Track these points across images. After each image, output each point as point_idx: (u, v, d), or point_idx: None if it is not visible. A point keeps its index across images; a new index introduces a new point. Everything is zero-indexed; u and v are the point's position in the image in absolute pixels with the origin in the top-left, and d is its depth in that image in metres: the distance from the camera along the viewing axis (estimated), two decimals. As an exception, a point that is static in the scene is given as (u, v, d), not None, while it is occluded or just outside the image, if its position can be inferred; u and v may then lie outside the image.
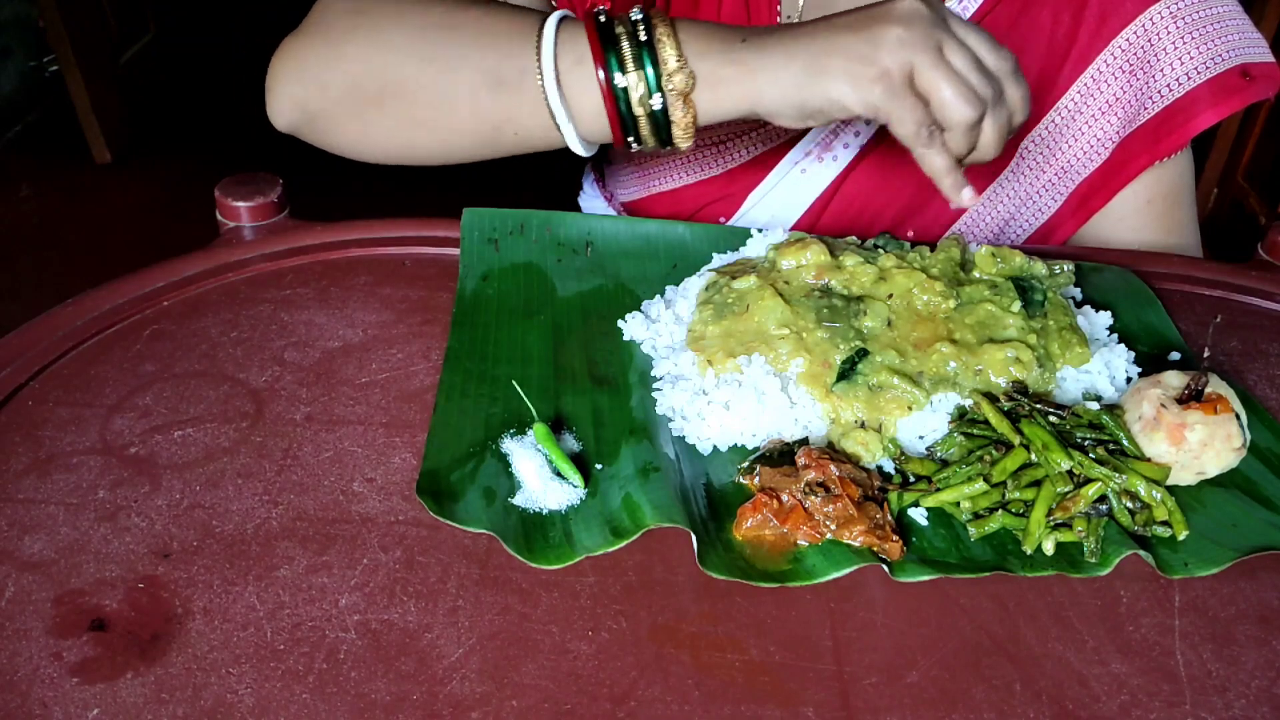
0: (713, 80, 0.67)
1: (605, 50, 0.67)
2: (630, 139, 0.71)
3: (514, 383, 0.70)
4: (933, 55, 0.64)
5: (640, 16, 0.68)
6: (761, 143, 0.97)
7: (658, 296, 0.79)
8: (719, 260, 0.81)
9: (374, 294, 0.80)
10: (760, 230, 0.82)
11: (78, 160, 2.98)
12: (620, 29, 0.68)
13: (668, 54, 0.67)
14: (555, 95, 0.69)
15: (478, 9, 0.74)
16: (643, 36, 0.67)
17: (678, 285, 0.78)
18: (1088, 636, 0.55)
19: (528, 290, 0.80)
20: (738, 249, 0.82)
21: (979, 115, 0.65)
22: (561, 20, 0.70)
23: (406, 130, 0.76)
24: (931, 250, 0.75)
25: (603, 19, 0.68)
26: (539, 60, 0.69)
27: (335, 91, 0.76)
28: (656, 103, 0.68)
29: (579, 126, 0.71)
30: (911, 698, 0.51)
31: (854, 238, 0.79)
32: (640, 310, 0.77)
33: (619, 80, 0.67)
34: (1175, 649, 0.54)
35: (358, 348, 0.74)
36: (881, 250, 0.76)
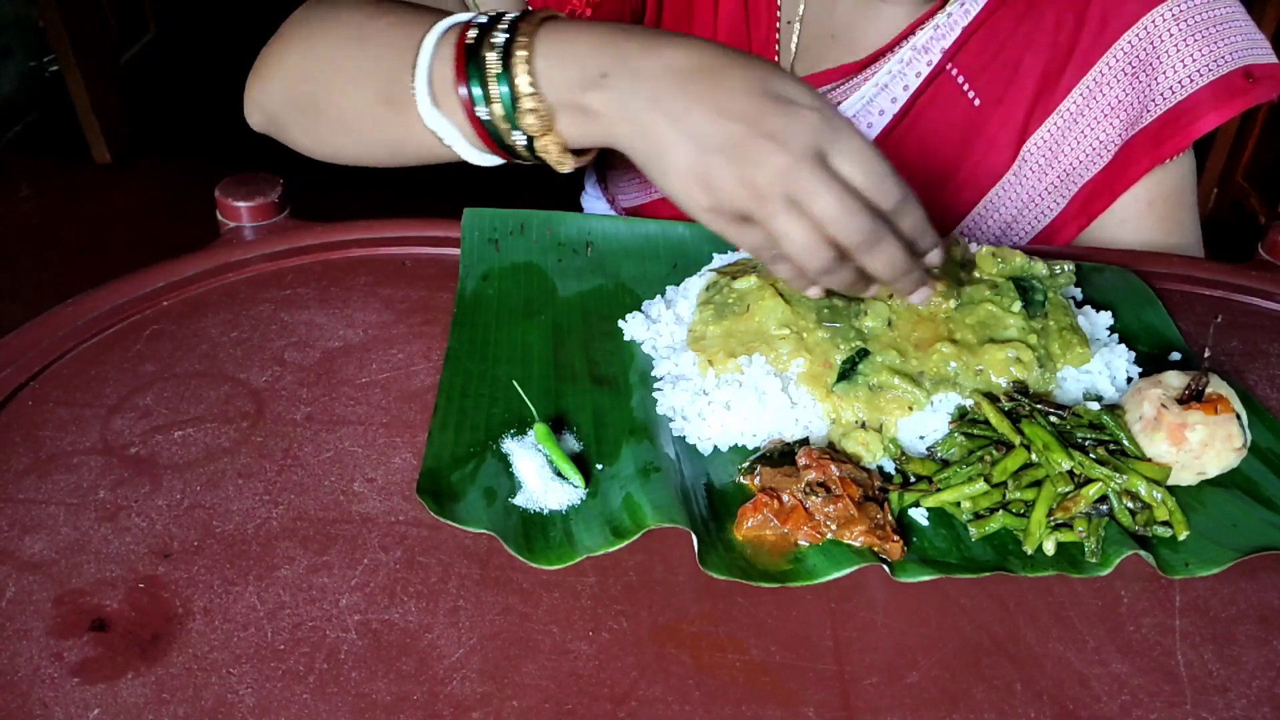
0: (571, 113, 0.61)
1: (469, 78, 0.62)
2: (519, 160, 0.66)
3: (514, 383, 0.70)
4: (776, 203, 0.55)
5: (505, 37, 0.61)
6: None
7: (658, 296, 0.78)
8: (719, 260, 0.81)
9: (374, 294, 0.80)
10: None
11: (78, 160, 2.98)
12: (485, 52, 0.61)
13: (522, 85, 0.60)
14: (434, 117, 0.65)
15: (393, 15, 0.69)
16: (499, 68, 0.61)
17: (678, 285, 0.78)
18: (1088, 636, 0.55)
19: (528, 290, 0.80)
20: (738, 249, 0.82)
21: (828, 268, 0.58)
22: (446, 32, 0.65)
23: (336, 137, 0.76)
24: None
25: (471, 37, 0.62)
26: (414, 81, 0.64)
27: (279, 97, 0.77)
28: (519, 137, 0.63)
29: (469, 143, 0.66)
30: (912, 698, 0.51)
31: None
32: (641, 310, 0.77)
33: (480, 113, 0.62)
34: (1176, 649, 0.54)
35: (358, 348, 0.74)
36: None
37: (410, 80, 0.65)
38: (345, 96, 0.72)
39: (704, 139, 0.56)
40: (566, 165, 0.64)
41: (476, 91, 0.62)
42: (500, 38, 0.61)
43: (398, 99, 0.66)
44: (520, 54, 0.61)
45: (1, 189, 2.84)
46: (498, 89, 0.61)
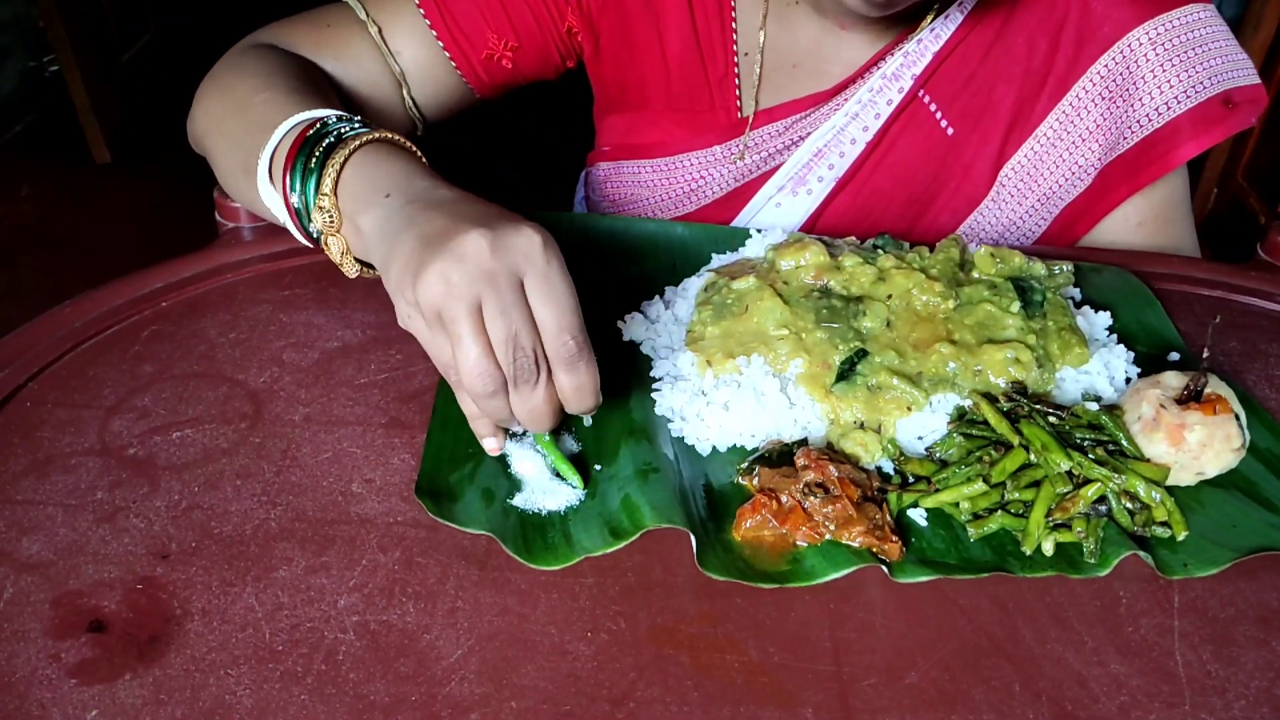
0: (351, 226, 0.65)
1: (294, 165, 0.67)
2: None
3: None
4: (463, 309, 0.55)
5: (331, 142, 0.66)
6: (732, 180, 0.96)
7: (657, 297, 0.78)
8: (718, 261, 0.81)
9: (373, 294, 0.80)
10: (759, 231, 0.82)
11: (78, 160, 2.98)
12: (313, 148, 0.66)
13: (325, 187, 0.65)
14: (267, 193, 0.70)
15: (273, 92, 0.75)
16: (314, 166, 0.66)
17: (677, 286, 0.78)
18: (1087, 637, 0.55)
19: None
20: (737, 249, 0.82)
21: (491, 390, 0.57)
22: (300, 124, 0.69)
23: (224, 183, 0.82)
24: (930, 251, 0.75)
25: (310, 134, 0.67)
26: (258, 159, 0.70)
27: (193, 138, 0.85)
28: (312, 230, 0.67)
29: (292, 225, 0.70)
30: (911, 699, 0.51)
31: (853, 238, 0.79)
32: (640, 310, 0.77)
33: (291, 198, 0.67)
34: (1175, 649, 0.54)
35: (356, 348, 0.74)
36: (880, 251, 0.76)
37: (258, 157, 0.70)
38: (222, 156, 0.79)
39: (429, 237, 0.57)
40: (349, 269, 0.67)
41: (293, 181, 0.67)
42: (329, 141, 0.66)
43: (251, 170, 0.71)
44: (335, 160, 0.65)
45: (1, 189, 2.84)
46: (303, 184, 0.66)
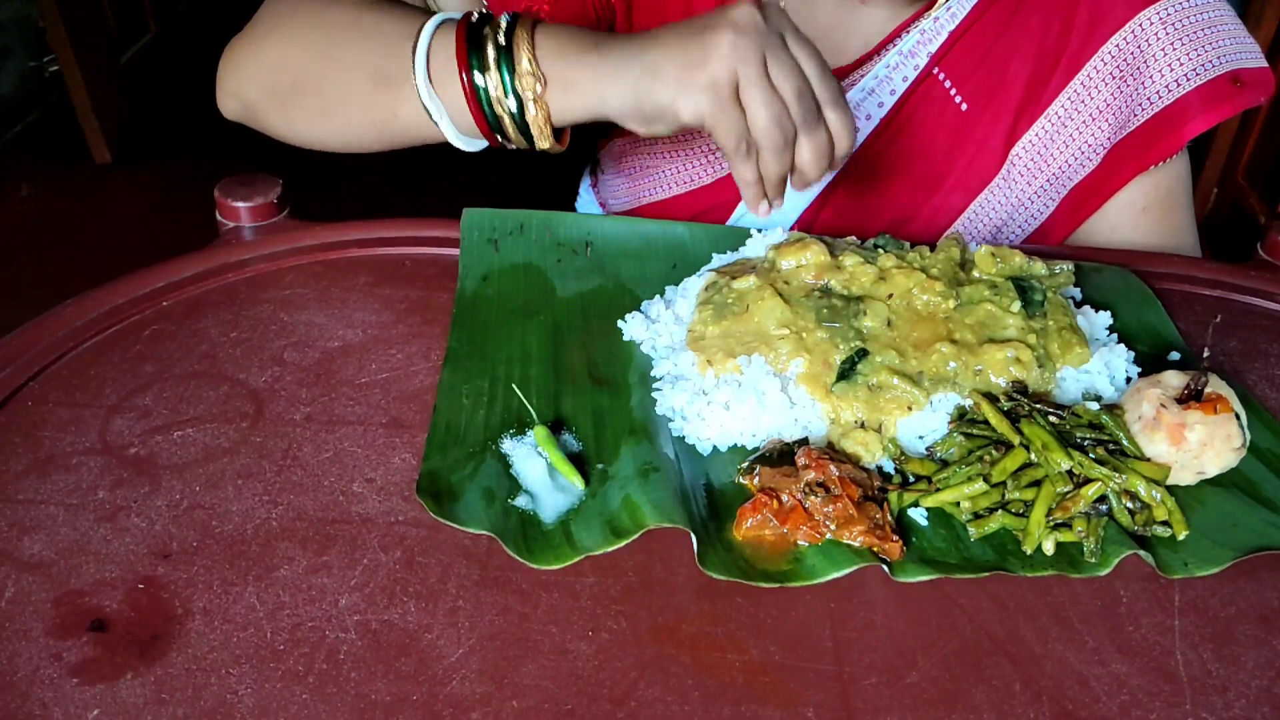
0: (562, 83, 0.69)
1: (469, 52, 0.70)
2: (500, 137, 0.74)
3: (513, 386, 0.70)
4: (756, 69, 0.65)
5: (508, 21, 0.70)
6: None
7: (658, 296, 0.78)
8: (719, 260, 0.81)
9: (374, 294, 0.80)
10: (760, 230, 0.82)
11: (78, 160, 2.98)
12: (487, 31, 0.70)
13: (522, 56, 0.69)
14: (428, 92, 0.72)
15: (380, 10, 0.77)
16: (502, 40, 0.69)
17: (678, 285, 0.78)
18: (1088, 637, 0.55)
19: (528, 290, 0.80)
20: (737, 249, 0.82)
21: (787, 140, 0.67)
22: (443, 22, 0.73)
23: (317, 121, 0.81)
24: (931, 250, 0.75)
25: (474, 20, 0.71)
26: (414, 58, 0.72)
27: (260, 85, 0.82)
28: (511, 103, 0.70)
29: (455, 123, 0.74)
30: (911, 698, 0.51)
31: (854, 238, 0.79)
32: (640, 310, 0.77)
33: (478, 80, 0.70)
34: (1175, 649, 0.54)
35: (357, 348, 0.74)
36: (881, 250, 0.76)
37: (409, 61, 0.72)
38: (335, 81, 0.78)
39: (689, 33, 0.66)
40: (545, 141, 0.71)
41: (475, 62, 0.70)
42: (505, 20, 0.70)
43: (392, 79, 0.74)
44: (522, 33, 0.69)
45: (1, 189, 2.84)
46: (500, 65, 0.69)
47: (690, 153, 0.98)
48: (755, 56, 0.65)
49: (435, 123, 0.74)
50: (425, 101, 0.72)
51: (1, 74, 3.04)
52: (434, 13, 0.75)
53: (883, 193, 0.95)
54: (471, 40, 0.70)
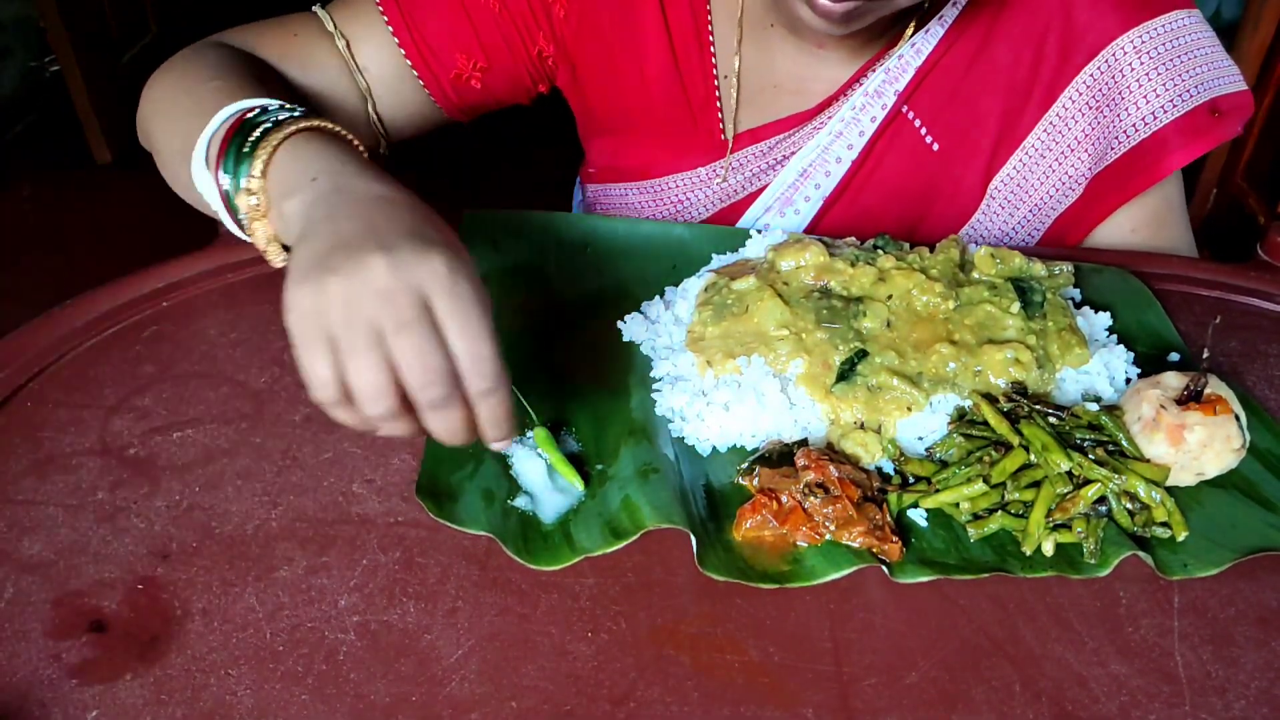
0: (276, 210, 0.62)
1: (228, 150, 0.65)
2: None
3: (513, 387, 0.70)
4: (362, 339, 0.52)
5: (267, 128, 0.64)
6: (717, 201, 0.95)
7: (657, 297, 0.79)
8: (718, 261, 0.81)
9: (373, 295, 0.80)
10: (759, 231, 0.82)
11: (78, 160, 2.97)
12: (248, 133, 0.64)
13: (255, 170, 0.63)
14: (201, 179, 0.68)
15: (221, 82, 0.73)
16: (247, 149, 0.64)
17: (677, 286, 0.78)
18: (1087, 637, 0.55)
19: (528, 291, 0.80)
20: (737, 250, 0.82)
21: (393, 412, 0.53)
22: (242, 110, 0.68)
23: (165, 173, 0.80)
24: (930, 251, 0.75)
25: (248, 120, 0.66)
26: (196, 145, 0.69)
27: (140, 130, 0.84)
28: (241, 217, 0.65)
29: (223, 213, 0.68)
30: (911, 699, 0.51)
31: (853, 239, 0.79)
32: (640, 311, 0.77)
33: (221, 179, 0.65)
34: (1175, 650, 0.54)
35: (357, 349, 0.74)
36: (880, 251, 0.76)
37: (195, 141, 0.69)
38: (163, 140, 0.78)
39: (338, 242, 0.54)
40: (274, 258, 0.64)
41: (226, 164, 0.65)
42: (266, 126, 0.64)
43: (188, 156, 0.70)
44: (269, 143, 0.63)
45: (1, 189, 2.84)
46: (233, 168, 0.64)
47: (658, 202, 0.97)
48: (361, 324, 0.52)
49: (211, 208, 0.69)
50: (199, 186, 0.69)
51: (2, 74, 3.04)
52: (268, 91, 0.72)
53: (861, 235, 0.94)
54: (235, 138, 0.65)
